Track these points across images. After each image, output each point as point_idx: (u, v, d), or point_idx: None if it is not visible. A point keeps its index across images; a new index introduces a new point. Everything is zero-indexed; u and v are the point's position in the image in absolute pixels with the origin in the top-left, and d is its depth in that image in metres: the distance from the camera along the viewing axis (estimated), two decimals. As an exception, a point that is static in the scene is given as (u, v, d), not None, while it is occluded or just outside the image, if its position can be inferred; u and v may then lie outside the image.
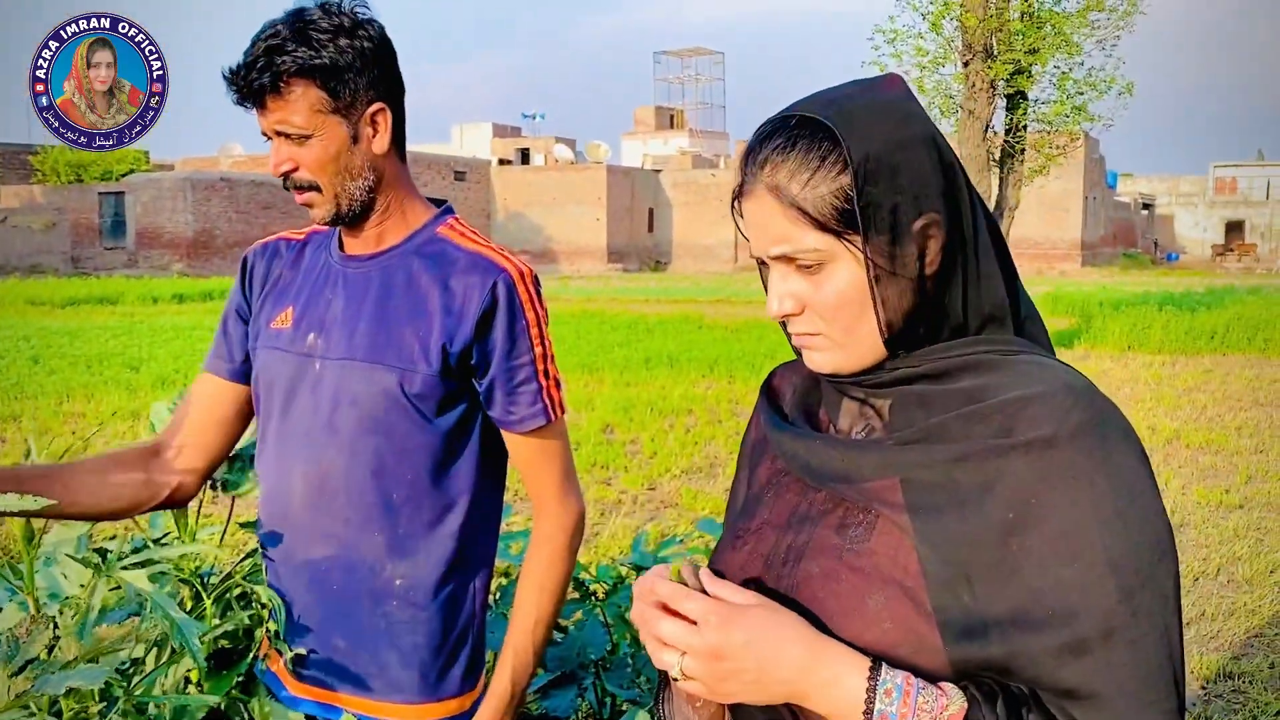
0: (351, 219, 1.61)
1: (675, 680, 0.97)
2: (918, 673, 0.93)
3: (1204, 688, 4.11)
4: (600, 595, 2.35)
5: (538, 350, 1.60)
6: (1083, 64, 14.08)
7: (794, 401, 1.15)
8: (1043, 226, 43.29)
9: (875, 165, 0.97)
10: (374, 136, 1.57)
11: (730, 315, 20.58)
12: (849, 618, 0.96)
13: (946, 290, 1.01)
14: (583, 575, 2.39)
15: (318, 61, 1.49)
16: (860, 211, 0.97)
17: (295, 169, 1.54)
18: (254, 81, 1.49)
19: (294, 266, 1.71)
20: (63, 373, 11.80)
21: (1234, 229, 58.54)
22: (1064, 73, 14.04)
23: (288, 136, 1.52)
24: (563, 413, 1.65)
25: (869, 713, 0.91)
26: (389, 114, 1.58)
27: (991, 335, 1.03)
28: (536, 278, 1.65)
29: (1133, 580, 0.91)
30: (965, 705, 0.91)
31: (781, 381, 1.19)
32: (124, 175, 36.41)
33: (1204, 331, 16.35)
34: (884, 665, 0.93)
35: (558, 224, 46.13)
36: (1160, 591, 0.92)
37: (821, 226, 0.98)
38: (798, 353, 1.09)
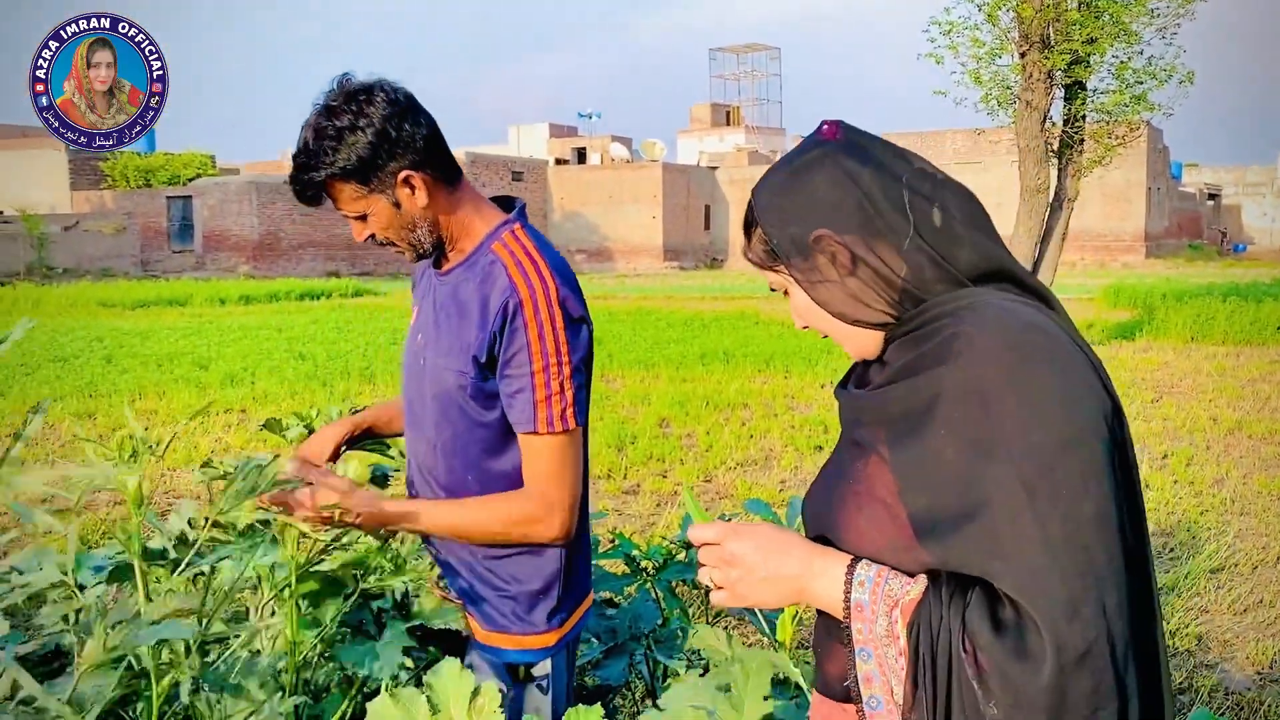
0: (433, 252, 1.90)
1: (708, 590, 1.18)
2: (901, 570, 1.14)
3: (1259, 674, 4.12)
4: (651, 571, 2.45)
5: (536, 365, 1.78)
6: (1142, 53, 13.95)
7: (860, 366, 1.34)
8: (1105, 218, 42.62)
9: (765, 211, 1.24)
10: (412, 195, 1.81)
11: (786, 312, 20.50)
12: (849, 531, 1.20)
13: (879, 277, 1.20)
14: (635, 553, 2.49)
15: (338, 167, 1.75)
16: (774, 246, 1.24)
17: (371, 235, 1.85)
18: (303, 195, 1.82)
19: (421, 278, 2.04)
20: (134, 372, 12.15)
21: (1304, 218, 57.15)
22: (1123, 62, 13.90)
23: (353, 216, 1.83)
24: (559, 428, 1.80)
25: (847, 597, 1.14)
26: (419, 173, 1.80)
27: (962, 291, 1.20)
28: (563, 294, 1.81)
29: (1032, 473, 1.07)
30: (922, 590, 1.11)
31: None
32: (191, 180, 37.21)
33: (1270, 322, 16.04)
34: (862, 561, 1.16)
35: (614, 223, 46.30)
36: (1063, 479, 1.07)
37: (767, 267, 1.27)
38: None
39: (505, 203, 2.00)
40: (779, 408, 10.03)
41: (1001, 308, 1.15)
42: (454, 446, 1.86)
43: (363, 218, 1.81)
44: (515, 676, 1.90)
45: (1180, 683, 3.96)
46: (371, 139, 1.74)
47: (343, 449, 2.14)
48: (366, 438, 2.21)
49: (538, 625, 1.87)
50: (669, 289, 29.58)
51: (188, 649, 1.65)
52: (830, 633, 1.23)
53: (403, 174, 1.78)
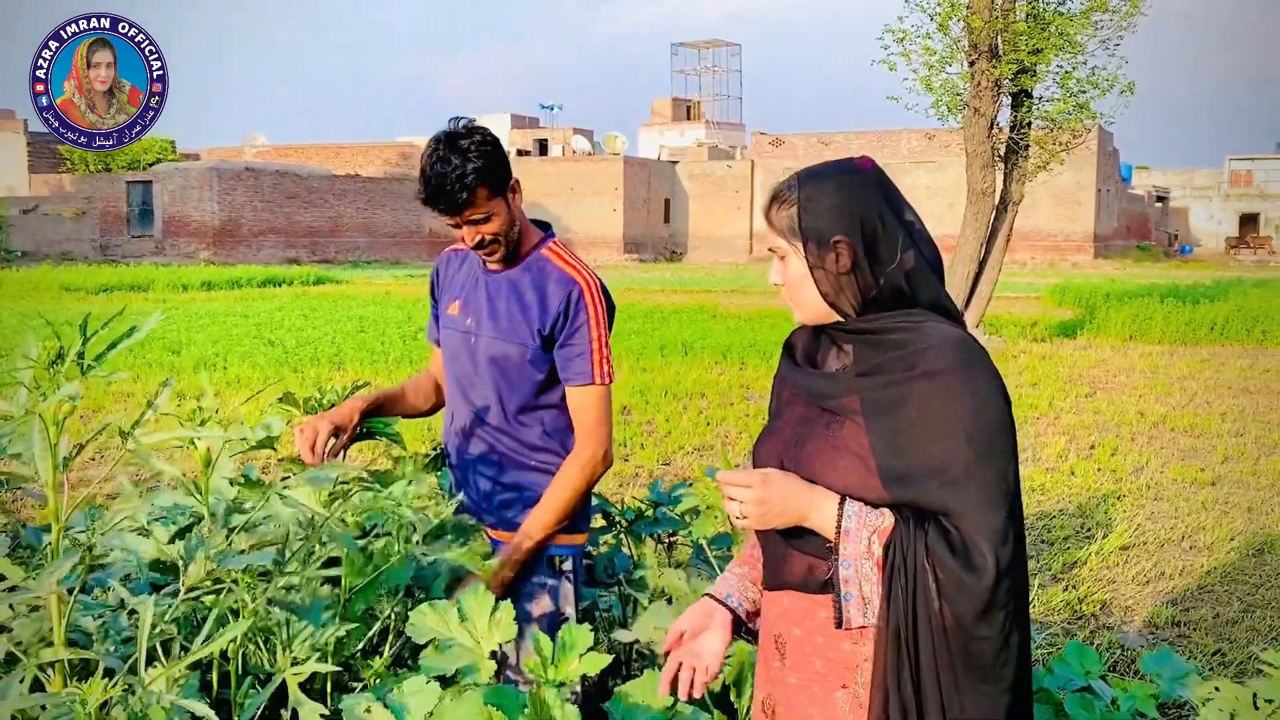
0: (508, 255, 2.51)
1: (737, 519, 1.63)
2: (863, 502, 1.60)
3: (1152, 633, 4.66)
4: (624, 525, 2.92)
5: (593, 334, 2.48)
6: (1086, 63, 14.57)
7: (802, 350, 1.80)
8: (1056, 219, 43.57)
9: (807, 205, 1.66)
10: (516, 200, 2.47)
11: (743, 305, 21.10)
12: (829, 475, 1.63)
13: (863, 282, 1.65)
14: (611, 510, 2.96)
15: (485, 170, 2.36)
16: (801, 230, 1.65)
17: (481, 237, 2.43)
18: (455, 198, 2.35)
19: (459, 271, 2.66)
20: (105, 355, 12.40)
21: (1248, 222, 58.58)
22: (1067, 72, 14.51)
23: (474, 222, 2.40)
24: (608, 380, 2.50)
25: (839, 523, 1.59)
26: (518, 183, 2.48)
27: (913, 312, 1.68)
28: (602, 285, 2.52)
29: (980, 446, 1.56)
30: (894, 520, 1.57)
31: (795, 338, 1.84)
32: (151, 164, 37.12)
33: (1204, 323, 16.80)
34: (848, 499, 1.60)
35: (575, 215, 46.66)
36: (998, 454, 1.57)
37: (782, 235, 1.69)
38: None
39: (537, 224, 2.64)
40: (735, 397, 10.53)
41: (946, 330, 1.64)
42: (509, 397, 2.52)
43: (488, 219, 2.39)
44: (552, 567, 2.53)
45: (1082, 641, 4.50)
46: (497, 151, 2.40)
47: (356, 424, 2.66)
48: (378, 412, 2.70)
49: (571, 529, 2.54)
50: (629, 281, 30.01)
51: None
52: (791, 545, 1.69)
53: (513, 181, 2.44)
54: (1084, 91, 14.51)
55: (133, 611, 2.09)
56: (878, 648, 1.59)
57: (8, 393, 1.90)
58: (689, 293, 25.30)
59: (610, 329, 2.52)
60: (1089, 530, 6.18)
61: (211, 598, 2.06)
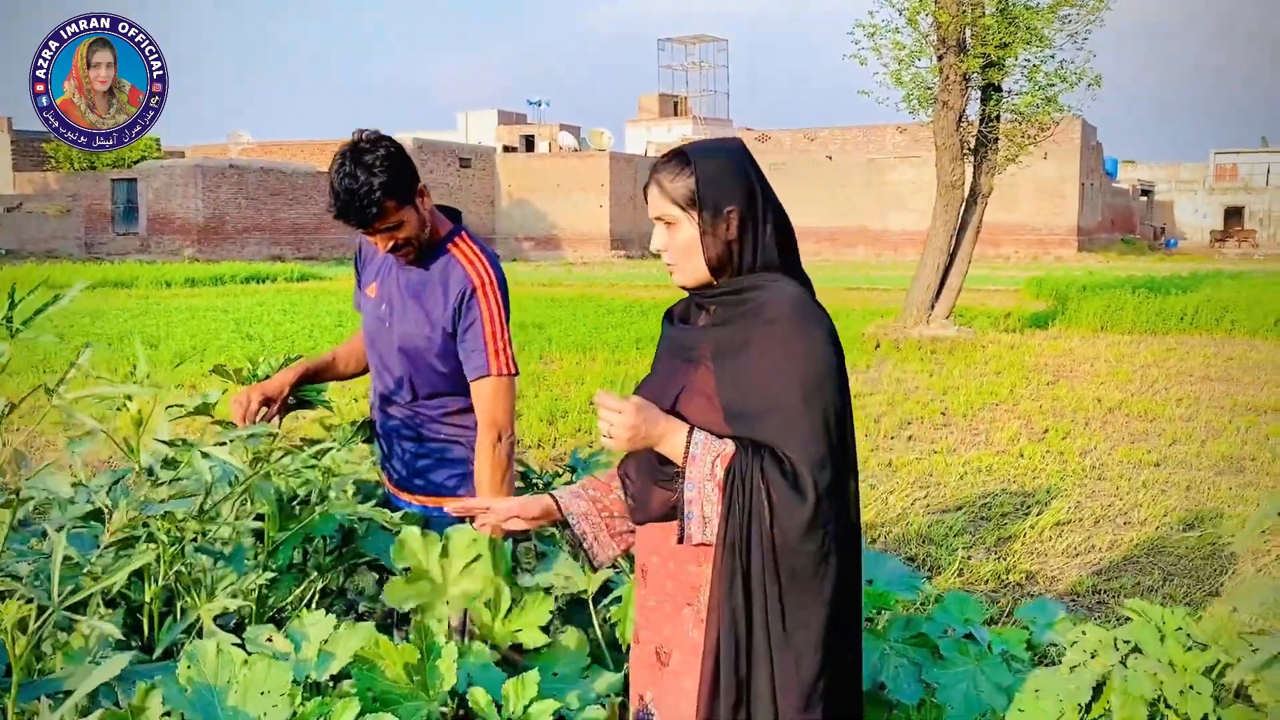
0: (420, 254, 2.71)
1: (605, 438, 1.84)
2: (714, 435, 1.84)
3: (1073, 599, 4.88)
4: (541, 486, 3.13)
5: (487, 329, 2.67)
6: (1054, 57, 14.78)
7: (679, 313, 2.05)
8: (1039, 213, 43.87)
9: (704, 175, 1.87)
10: (424, 205, 2.65)
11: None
12: (685, 412, 1.88)
13: (742, 248, 1.89)
14: (531, 473, 3.17)
15: (390, 184, 2.53)
16: (698, 198, 1.87)
17: (394, 241, 2.62)
18: (365, 213, 2.52)
19: (378, 253, 2.80)
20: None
21: (1233, 215, 58.97)
22: (1035, 65, 14.73)
23: (386, 230, 2.59)
24: (505, 372, 2.68)
25: (688, 449, 1.82)
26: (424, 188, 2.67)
27: (768, 274, 1.92)
28: (500, 278, 2.71)
29: (809, 389, 1.81)
30: (735, 447, 1.80)
31: (675, 308, 2.08)
32: (136, 162, 37.19)
33: (1174, 313, 17.02)
34: (696, 429, 1.83)
35: (562, 211, 46.83)
36: (824, 395, 1.82)
37: (677, 204, 1.89)
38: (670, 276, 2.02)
39: (447, 212, 2.81)
40: (703, 387, 10.71)
41: (790, 290, 1.88)
42: (418, 380, 2.75)
43: (399, 226, 2.58)
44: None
45: (1004, 608, 4.71)
46: (401, 162, 2.56)
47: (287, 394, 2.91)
48: (310, 380, 2.93)
49: None
50: (613, 277, 30.21)
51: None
52: (655, 481, 1.91)
53: (420, 186, 2.62)
54: (1052, 85, 14.72)
55: (67, 558, 2.29)
56: (715, 561, 1.82)
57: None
58: (670, 288, 25.41)
59: (508, 319, 2.69)
60: (1028, 508, 6.39)
61: (140, 546, 2.26)
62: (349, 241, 40.81)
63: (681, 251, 1.91)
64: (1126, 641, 2.72)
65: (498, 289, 2.68)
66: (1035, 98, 14.64)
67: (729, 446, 1.80)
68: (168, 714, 1.66)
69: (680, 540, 1.83)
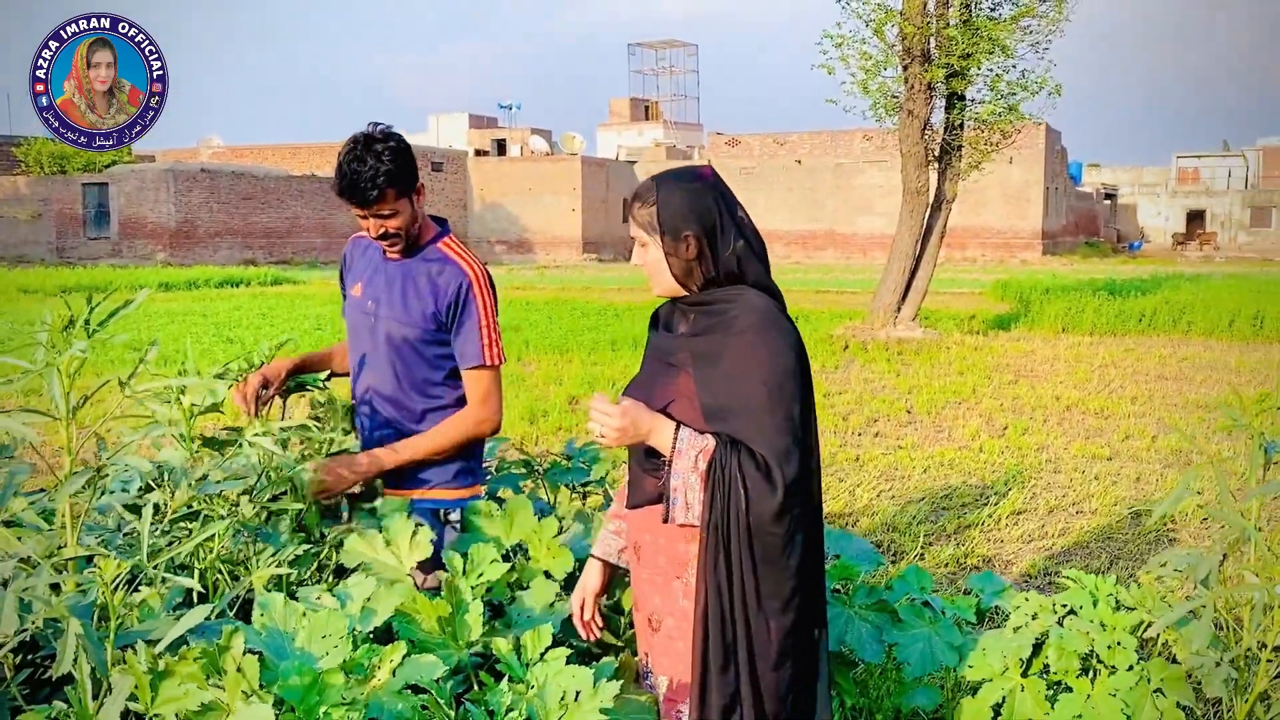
0: (407, 247, 2.88)
1: (597, 438, 2.13)
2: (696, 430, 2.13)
3: (1026, 580, 5.25)
4: (541, 472, 3.45)
5: (483, 321, 2.87)
6: (1016, 66, 15.25)
7: (662, 320, 2.36)
8: (1005, 217, 44.57)
9: (664, 205, 2.18)
10: (420, 200, 2.86)
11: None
12: (671, 410, 2.16)
13: (704, 267, 2.19)
14: (532, 461, 3.49)
15: (395, 174, 2.73)
16: (659, 225, 2.17)
17: (384, 231, 2.80)
18: (366, 194, 2.71)
19: (362, 257, 3.03)
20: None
21: (1195, 218, 59.87)
22: (997, 75, 15.19)
23: (380, 216, 2.77)
24: (495, 361, 2.89)
25: (675, 443, 2.11)
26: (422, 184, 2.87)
27: (736, 287, 2.23)
28: (489, 276, 2.91)
29: (774, 391, 2.11)
30: (715, 443, 2.09)
31: (661, 311, 2.38)
32: (106, 166, 37.15)
33: (1133, 314, 17.51)
34: (682, 426, 2.12)
35: (533, 215, 47.11)
36: (787, 396, 2.12)
37: (643, 228, 2.21)
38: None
39: (435, 220, 3.03)
40: (677, 387, 11.04)
41: (757, 302, 2.18)
42: (403, 373, 2.90)
43: (393, 215, 2.77)
44: (438, 519, 2.90)
45: (961, 589, 5.07)
46: (406, 156, 2.77)
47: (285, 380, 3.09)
48: (304, 371, 3.09)
49: (458, 485, 2.92)
50: (586, 280, 30.51)
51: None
52: (646, 470, 2.23)
53: (419, 184, 2.82)
54: (1014, 94, 15.19)
55: (128, 533, 2.60)
56: (701, 542, 2.14)
57: (22, 354, 2.39)
58: (644, 291, 25.78)
59: (497, 314, 2.91)
60: (987, 498, 6.78)
61: (194, 524, 2.57)
62: (322, 245, 40.91)
63: (652, 268, 2.22)
64: (1064, 605, 3.08)
65: (490, 285, 2.90)
66: (997, 106, 15.10)
67: (710, 442, 2.09)
68: (246, 653, 1.97)
69: (665, 520, 2.15)
